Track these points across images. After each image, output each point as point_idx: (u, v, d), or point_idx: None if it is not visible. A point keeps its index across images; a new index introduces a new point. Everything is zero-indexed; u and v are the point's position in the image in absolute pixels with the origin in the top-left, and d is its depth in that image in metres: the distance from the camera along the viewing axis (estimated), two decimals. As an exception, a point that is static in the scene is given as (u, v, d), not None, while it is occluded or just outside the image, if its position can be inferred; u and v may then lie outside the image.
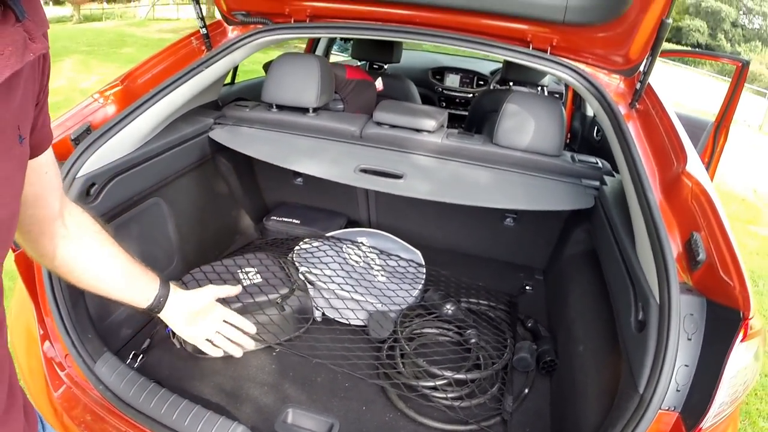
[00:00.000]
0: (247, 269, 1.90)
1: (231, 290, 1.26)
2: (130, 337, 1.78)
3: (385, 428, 1.56)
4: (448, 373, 1.68)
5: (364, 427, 1.54)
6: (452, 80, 4.58)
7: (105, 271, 1.01)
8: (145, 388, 1.29)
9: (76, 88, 8.91)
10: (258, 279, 1.85)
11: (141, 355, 1.67)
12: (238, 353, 1.24)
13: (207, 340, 1.22)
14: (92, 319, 1.48)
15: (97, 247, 0.99)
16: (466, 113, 3.72)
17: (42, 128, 0.75)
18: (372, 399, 1.66)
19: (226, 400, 1.59)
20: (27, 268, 1.42)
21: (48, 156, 0.82)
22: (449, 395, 1.65)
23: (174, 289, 1.15)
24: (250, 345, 1.26)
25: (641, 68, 1.79)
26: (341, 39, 4.53)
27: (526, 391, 1.72)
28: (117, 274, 1.03)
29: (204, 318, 1.21)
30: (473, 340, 1.84)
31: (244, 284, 1.81)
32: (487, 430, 1.57)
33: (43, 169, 0.81)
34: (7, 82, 0.56)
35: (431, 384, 1.66)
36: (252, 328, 1.27)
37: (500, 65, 4.14)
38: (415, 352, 1.78)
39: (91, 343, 1.38)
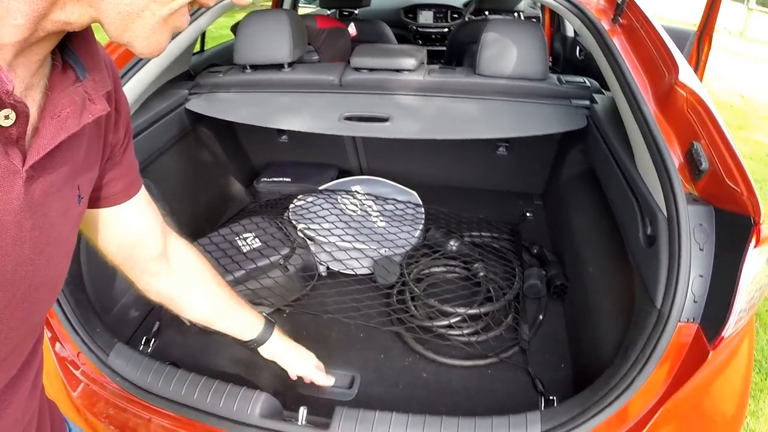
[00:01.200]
0: (245, 235, 1.87)
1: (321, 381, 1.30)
2: (139, 323, 1.76)
3: (405, 372, 1.57)
4: (461, 310, 1.68)
5: (384, 375, 1.56)
6: (425, 17, 4.47)
7: (204, 307, 1.07)
8: (161, 372, 1.27)
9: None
10: (257, 243, 1.83)
11: (153, 340, 1.65)
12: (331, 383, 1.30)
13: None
14: (98, 314, 1.46)
15: (198, 283, 1.04)
16: (444, 48, 3.65)
17: (128, 174, 0.79)
18: (388, 346, 1.66)
19: (244, 371, 1.58)
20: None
21: (140, 199, 0.84)
22: (465, 331, 1.66)
23: (278, 331, 1.22)
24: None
25: (621, -20, 1.72)
26: (308, -11, 4.40)
27: (541, 317, 1.73)
28: (216, 310, 1.09)
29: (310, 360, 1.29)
30: (481, 274, 1.84)
31: (244, 251, 1.79)
32: (507, 361, 1.58)
33: (139, 212, 0.85)
34: (67, 142, 0.55)
35: (446, 323, 1.67)
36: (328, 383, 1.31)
37: None
38: (425, 293, 1.78)
39: (100, 337, 1.35)
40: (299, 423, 1.19)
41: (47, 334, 1.41)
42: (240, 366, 1.60)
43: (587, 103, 1.92)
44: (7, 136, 0.48)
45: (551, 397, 1.41)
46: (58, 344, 1.38)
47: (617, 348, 1.23)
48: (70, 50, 0.56)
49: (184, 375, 1.26)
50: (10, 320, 0.54)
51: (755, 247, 1.02)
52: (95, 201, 0.77)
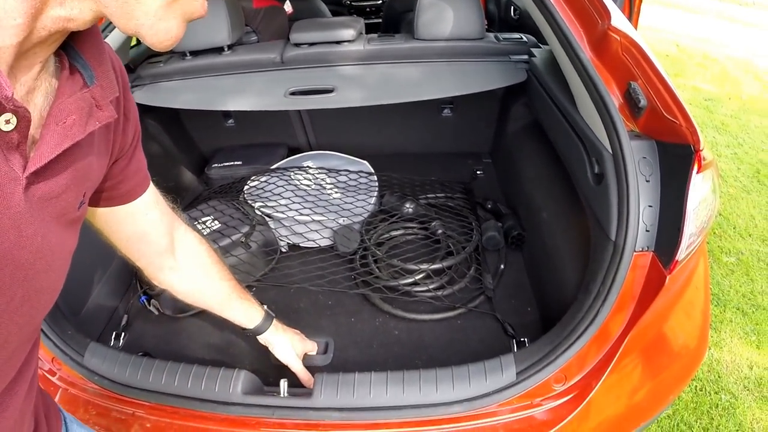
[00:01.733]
0: (203, 219, 1.86)
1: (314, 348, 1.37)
2: (108, 320, 1.74)
3: (377, 333, 1.61)
4: (424, 266, 1.72)
5: (358, 337, 1.59)
6: None
7: (206, 300, 1.13)
8: (138, 364, 1.27)
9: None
10: (216, 225, 1.83)
11: (123, 334, 1.63)
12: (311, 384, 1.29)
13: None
14: (66, 316, 1.43)
15: (202, 279, 1.08)
16: (380, 21, 3.65)
17: (136, 175, 0.80)
18: (358, 309, 1.70)
19: (219, 353, 1.59)
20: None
21: (149, 197, 0.86)
22: (431, 287, 1.69)
23: (276, 323, 1.29)
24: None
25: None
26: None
27: (502, 267, 1.78)
28: (217, 303, 1.15)
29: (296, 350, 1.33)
30: (440, 231, 1.88)
31: (204, 233, 1.78)
32: (475, 309, 1.62)
33: (146, 210, 0.86)
34: (72, 149, 0.54)
35: (411, 280, 1.70)
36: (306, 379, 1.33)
37: None
38: (387, 255, 1.81)
39: (73, 339, 1.34)
40: (282, 395, 1.20)
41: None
42: (214, 348, 1.61)
43: (526, 57, 1.96)
44: (7, 141, 0.47)
45: (522, 339, 1.47)
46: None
47: (579, 285, 1.29)
48: (78, 54, 0.55)
49: (161, 364, 1.26)
50: (9, 325, 0.54)
51: (698, 172, 1.07)
52: (102, 200, 0.77)
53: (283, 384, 1.22)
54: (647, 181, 1.17)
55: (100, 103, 0.57)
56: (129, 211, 0.83)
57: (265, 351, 1.41)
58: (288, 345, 1.30)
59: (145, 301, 1.72)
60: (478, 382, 1.16)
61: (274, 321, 1.28)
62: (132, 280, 1.84)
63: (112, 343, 1.57)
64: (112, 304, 1.77)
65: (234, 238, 1.77)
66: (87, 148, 0.60)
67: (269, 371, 1.38)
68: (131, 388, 1.25)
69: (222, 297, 1.15)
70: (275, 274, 1.84)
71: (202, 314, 1.66)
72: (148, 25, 0.50)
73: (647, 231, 1.15)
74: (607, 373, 1.15)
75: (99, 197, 0.76)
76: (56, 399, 1.30)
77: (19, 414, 0.64)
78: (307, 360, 1.34)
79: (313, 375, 1.24)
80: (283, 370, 1.31)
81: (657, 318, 1.17)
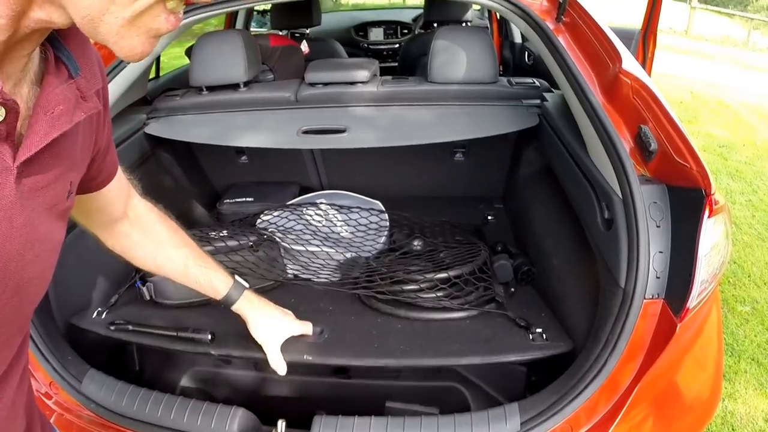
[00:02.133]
0: (212, 233, 1.83)
1: (308, 331, 1.35)
2: (111, 350, 1.72)
3: (378, 325, 1.52)
4: (429, 275, 1.61)
5: (356, 329, 1.50)
6: (376, 34, 4.53)
7: (162, 265, 1.10)
8: (135, 395, 1.25)
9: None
10: (225, 234, 1.81)
11: (107, 311, 1.58)
12: (283, 373, 1.29)
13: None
14: (68, 342, 1.42)
15: (153, 245, 1.07)
16: (396, 64, 3.69)
17: (111, 165, 0.83)
18: (359, 312, 1.61)
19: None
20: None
21: (114, 179, 0.87)
22: (438, 294, 1.58)
23: (250, 295, 1.25)
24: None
25: (560, -19, 1.78)
26: (258, 13, 4.42)
27: (513, 290, 1.68)
28: (174, 268, 1.12)
29: (278, 330, 1.29)
30: (448, 260, 1.79)
31: (212, 236, 1.77)
32: (487, 309, 1.53)
33: (109, 188, 0.87)
34: (59, 139, 0.55)
35: (415, 287, 1.60)
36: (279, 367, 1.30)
37: (421, 11, 4.10)
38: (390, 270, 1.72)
39: (72, 364, 1.33)
40: None
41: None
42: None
43: (538, 102, 1.97)
44: None
45: (538, 330, 1.38)
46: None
47: (588, 333, 1.25)
48: (63, 45, 0.56)
49: (159, 396, 1.24)
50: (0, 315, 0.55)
51: (709, 217, 1.05)
52: (79, 190, 0.77)
53: (281, 425, 1.19)
54: (658, 226, 1.14)
55: (85, 94, 0.58)
56: (95, 193, 0.85)
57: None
58: (263, 321, 1.26)
59: (139, 285, 1.67)
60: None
61: (248, 293, 1.24)
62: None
63: (94, 316, 1.54)
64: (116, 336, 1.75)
65: (242, 242, 1.75)
66: (73, 139, 0.61)
67: (269, 408, 1.35)
68: (127, 419, 1.23)
69: (177, 264, 1.12)
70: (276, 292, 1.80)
71: (202, 306, 1.59)
72: (111, 42, 0.51)
73: (658, 278, 1.13)
74: (615, 424, 1.11)
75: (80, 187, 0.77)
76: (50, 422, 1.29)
77: (11, 406, 0.65)
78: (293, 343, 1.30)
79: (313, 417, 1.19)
80: (284, 408, 1.28)
81: (668, 367, 1.14)
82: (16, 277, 0.54)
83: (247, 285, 1.25)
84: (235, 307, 1.23)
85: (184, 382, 1.70)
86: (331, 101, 2.08)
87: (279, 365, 1.27)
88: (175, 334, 1.40)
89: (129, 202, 0.99)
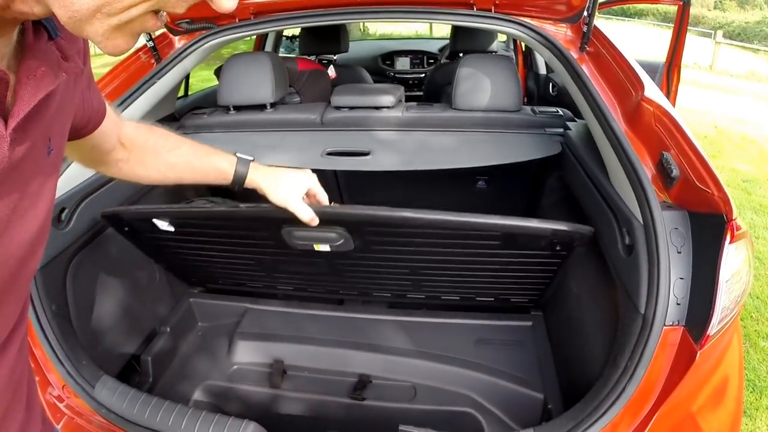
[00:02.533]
0: None
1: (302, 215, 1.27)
2: (128, 359, 1.75)
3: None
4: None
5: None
6: (402, 63, 4.59)
7: (168, 173, 1.11)
8: (148, 403, 1.26)
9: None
10: None
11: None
12: (315, 221, 1.28)
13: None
14: (84, 347, 1.45)
15: (153, 157, 1.07)
16: (421, 93, 3.72)
17: (98, 112, 0.83)
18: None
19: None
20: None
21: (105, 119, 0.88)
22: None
23: (258, 165, 1.22)
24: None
25: (585, 12, 1.80)
26: (287, 38, 4.50)
27: None
28: (182, 170, 1.12)
29: (293, 185, 1.26)
30: None
31: None
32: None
33: (100, 129, 0.87)
34: (43, 100, 0.56)
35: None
36: (325, 200, 1.32)
37: (447, 42, 4.14)
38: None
39: (86, 369, 1.34)
40: None
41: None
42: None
43: (561, 130, 1.97)
44: None
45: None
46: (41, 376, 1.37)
47: (606, 360, 1.24)
48: None
49: (171, 405, 1.25)
50: None
51: (731, 242, 1.05)
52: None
53: None
54: (679, 252, 1.14)
55: (66, 54, 0.59)
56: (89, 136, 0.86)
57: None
58: (278, 183, 1.23)
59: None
60: None
61: (255, 165, 1.22)
62: (154, 327, 1.86)
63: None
64: (133, 344, 1.78)
65: None
66: (55, 98, 0.61)
67: (281, 423, 1.35)
68: (137, 426, 1.24)
69: (180, 164, 1.12)
70: None
71: None
72: (97, 41, 0.51)
73: (678, 304, 1.12)
74: (633, 453, 1.09)
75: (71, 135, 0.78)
76: (60, 425, 1.30)
77: (10, 373, 0.65)
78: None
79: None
80: (295, 427, 1.28)
81: (686, 397, 1.11)
82: (5, 242, 0.56)
83: (251, 158, 1.22)
84: (248, 183, 1.21)
85: (197, 395, 1.71)
86: (356, 125, 2.10)
87: (306, 213, 1.25)
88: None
89: (120, 128, 0.99)
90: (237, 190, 1.22)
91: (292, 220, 1.27)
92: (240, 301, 2.04)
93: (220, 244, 1.68)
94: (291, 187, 1.24)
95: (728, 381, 1.23)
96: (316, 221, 1.27)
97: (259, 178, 1.21)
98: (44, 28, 0.57)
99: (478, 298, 1.87)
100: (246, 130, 2.18)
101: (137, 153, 1.05)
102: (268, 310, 2.01)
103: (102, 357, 1.57)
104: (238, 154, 1.21)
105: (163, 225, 1.55)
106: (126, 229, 1.64)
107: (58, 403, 1.31)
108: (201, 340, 1.97)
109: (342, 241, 1.48)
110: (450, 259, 1.55)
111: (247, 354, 1.84)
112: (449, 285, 1.76)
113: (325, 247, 1.50)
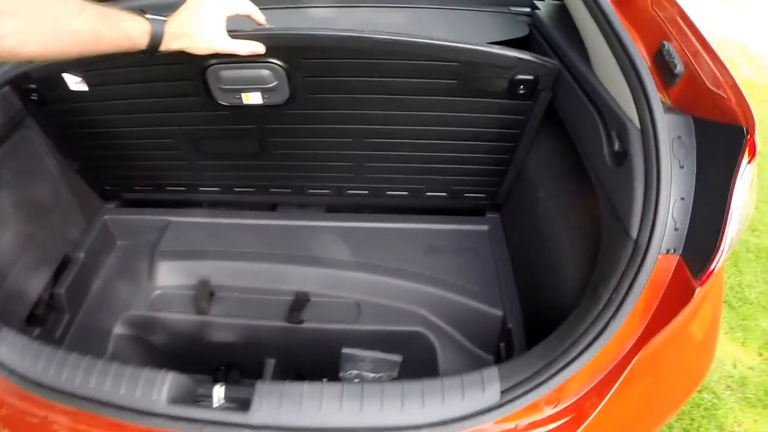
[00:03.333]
0: None
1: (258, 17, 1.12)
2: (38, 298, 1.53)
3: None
4: None
5: None
6: None
7: (72, 41, 0.92)
8: (52, 359, 1.04)
9: None
10: None
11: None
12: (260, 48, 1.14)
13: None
14: None
15: (53, 24, 0.89)
16: None
17: None
18: None
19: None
20: None
21: None
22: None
23: (167, 18, 1.04)
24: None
25: None
26: None
27: None
28: (88, 37, 0.94)
29: (213, 19, 1.07)
30: None
31: None
32: None
33: None
34: None
35: None
36: (262, 18, 1.13)
37: None
38: None
39: None
40: (214, 406, 0.98)
41: None
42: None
43: (528, 10, 1.70)
44: None
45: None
46: None
47: (582, 288, 1.07)
48: None
49: (78, 360, 1.03)
50: None
51: (749, 162, 0.85)
52: None
53: (218, 391, 0.99)
54: (681, 167, 0.94)
55: None
56: None
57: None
58: (198, 30, 1.05)
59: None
60: (453, 401, 0.95)
61: (170, 25, 1.04)
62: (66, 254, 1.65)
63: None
64: (37, 284, 1.55)
65: None
66: None
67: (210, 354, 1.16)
68: (43, 387, 1.02)
69: (85, 34, 0.93)
70: None
71: None
72: None
73: (676, 229, 0.93)
74: (608, 396, 0.94)
75: None
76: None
77: None
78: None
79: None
80: (228, 356, 1.09)
81: (674, 335, 0.98)
82: None
83: (163, 18, 1.03)
84: (164, 48, 1.03)
85: (118, 329, 1.54)
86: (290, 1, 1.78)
87: (242, 46, 1.11)
88: None
89: None
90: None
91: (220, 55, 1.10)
92: (161, 214, 1.82)
93: (137, 111, 1.48)
94: (213, 25, 1.06)
95: (715, 310, 1.11)
96: (260, 48, 1.13)
97: (176, 39, 1.04)
98: None
99: (428, 193, 1.70)
100: None
101: (25, 21, 0.85)
102: (192, 222, 1.80)
103: (6, 299, 1.37)
104: (148, 16, 1.01)
105: (76, 82, 1.36)
106: (34, 96, 1.40)
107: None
108: (120, 264, 1.76)
109: (276, 82, 1.30)
110: (400, 115, 1.42)
111: (170, 276, 1.65)
112: (397, 169, 1.61)
113: (256, 98, 1.33)
